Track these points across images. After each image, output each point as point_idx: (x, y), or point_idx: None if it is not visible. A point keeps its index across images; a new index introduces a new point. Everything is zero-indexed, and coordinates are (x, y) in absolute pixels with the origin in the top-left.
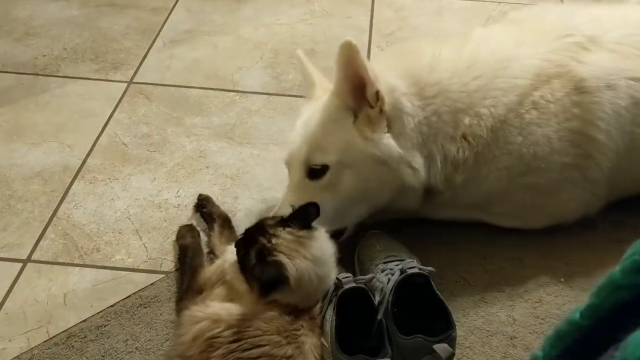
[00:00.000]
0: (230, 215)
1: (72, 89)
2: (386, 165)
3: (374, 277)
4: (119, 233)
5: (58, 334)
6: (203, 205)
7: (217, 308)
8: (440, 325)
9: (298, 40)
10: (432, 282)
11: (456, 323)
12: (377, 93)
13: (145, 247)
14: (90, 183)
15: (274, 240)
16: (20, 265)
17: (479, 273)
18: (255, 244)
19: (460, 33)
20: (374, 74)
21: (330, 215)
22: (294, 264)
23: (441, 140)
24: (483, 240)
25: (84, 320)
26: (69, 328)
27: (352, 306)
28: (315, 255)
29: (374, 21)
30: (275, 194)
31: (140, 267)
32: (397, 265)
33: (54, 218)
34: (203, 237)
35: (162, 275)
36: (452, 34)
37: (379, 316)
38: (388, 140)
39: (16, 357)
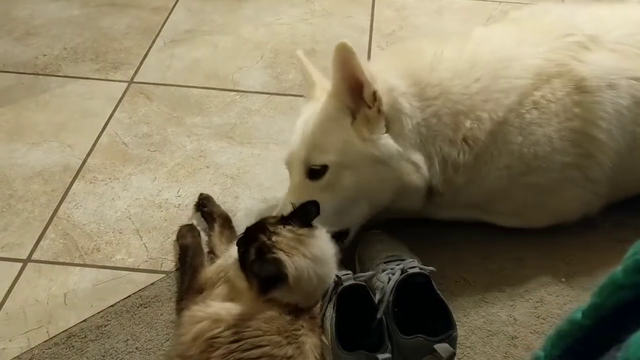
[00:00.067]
0: (230, 214)
1: (73, 89)
2: (386, 165)
3: (374, 274)
4: (120, 233)
5: (58, 334)
6: (204, 205)
7: (218, 308)
8: (441, 325)
9: (298, 40)
10: (433, 282)
11: (457, 323)
12: (374, 93)
13: (145, 246)
14: (91, 183)
15: (274, 238)
16: (20, 265)
17: (479, 273)
18: (255, 242)
19: (461, 33)
20: (370, 74)
21: (330, 215)
22: (293, 262)
23: (439, 143)
24: (484, 240)
25: (84, 320)
26: (69, 328)
27: (352, 303)
28: (315, 253)
29: (375, 21)
30: (275, 194)
31: (140, 267)
32: (397, 264)
33: (55, 218)
34: (203, 237)
35: (163, 275)
36: (453, 34)
37: (379, 315)
38: (387, 140)
39: (16, 357)
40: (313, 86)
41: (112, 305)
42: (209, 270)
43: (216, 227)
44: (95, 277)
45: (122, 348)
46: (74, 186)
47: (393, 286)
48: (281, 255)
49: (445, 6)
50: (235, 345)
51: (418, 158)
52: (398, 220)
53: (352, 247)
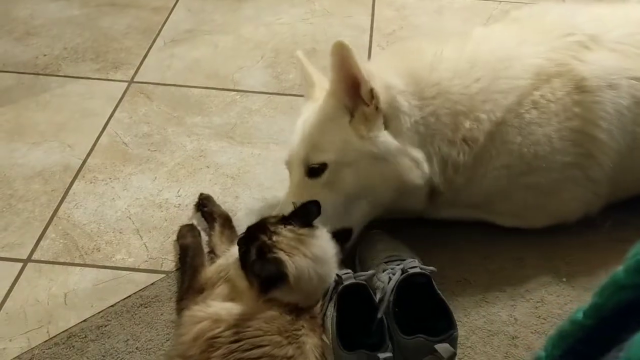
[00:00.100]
0: (231, 214)
1: (73, 89)
2: (385, 162)
3: (374, 274)
4: (120, 233)
5: (58, 334)
6: (204, 205)
7: (218, 308)
8: (442, 325)
9: (299, 39)
10: (434, 282)
11: (457, 323)
12: (371, 91)
13: (145, 246)
14: (91, 183)
15: (274, 238)
16: (20, 265)
17: (480, 273)
18: (256, 241)
19: (461, 32)
20: (367, 72)
21: (331, 214)
22: (294, 262)
23: (438, 142)
24: (484, 240)
25: (84, 320)
26: (70, 328)
27: (353, 302)
28: (316, 253)
29: (375, 20)
30: (276, 193)
31: (140, 267)
32: (398, 264)
33: (55, 218)
34: (204, 237)
35: (163, 275)
36: (453, 34)
37: (379, 315)
38: (385, 138)
39: (17, 357)
40: (313, 86)
41: (112, 305)
42: (210, 270)
43: (216, 227)
44: (96, 277)
45: (123, 348)
46: (74, 186)
47: (394, 286)
48: (282, 255)
49: (446, 6)
50: (235, 345)
51: (418, 155)
52: (398, 220)
53: (352, 247)
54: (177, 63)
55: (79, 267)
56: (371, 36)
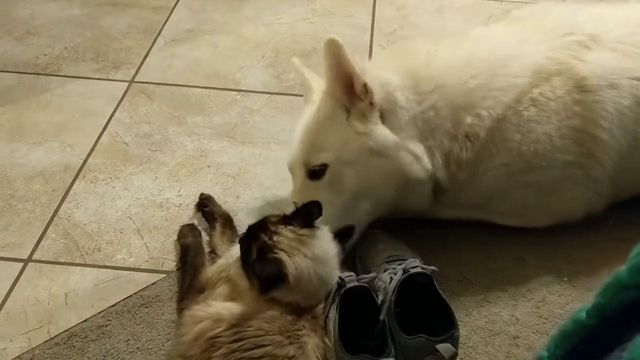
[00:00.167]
0: (231, 214)
1: (73, 89)
2: (383, 157)
3: (376, 276)
4: (120, 232)
5: (59, 334)
6: (205, 205)
7: (219, 307)
8: (443, 324)
9: (299, 39)
10: (435, 282)
11: (459, 323)
12: (365, 85)
13: (146, 246)
14: (92, 182)
15: (275, 238)
16: (21, 265)
17: (481, 272)
18: (256, 241)
19: (460, 32)
20: (359, 67)
21: (335, 215)
22: (294, 262)
23: (439, 136)
24: (485, 240)
25: (85, 320)
26: (70, 328)
27: (355, 305)
28: (316, 254)
29: (376, 20)
30: (277, 193)
31: (141, 267)
32: (399, 264)
33: (55, 217)
34: (205, 237)
35: (164, 275)
36: (453, 33)
37: (382, 316)
38: (382, 131)
39: (17, 357)
40: (311, 90)
41: (113, 305)
42: (210, 270)
43: (217, 226)
44: (96, 277)
45: (123, 348)
46: (74, 186)
47: (395, 286)
48: (282, 255)
49: (446, 5)
50: (236, 345)
51: (417, 148)
52: (398, 220)
53: (353, 247)
54: (177, 63)
55: (80, 267)
56: (372, 36)
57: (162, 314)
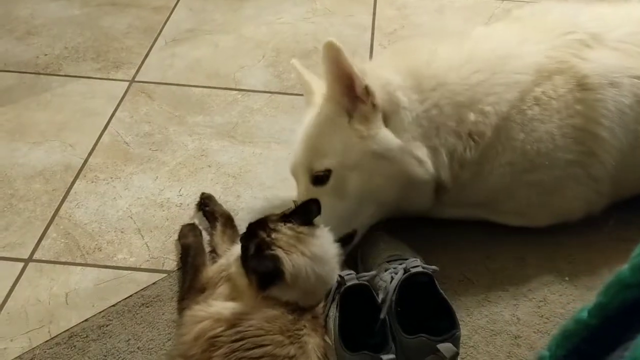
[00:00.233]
0: (232, 214)
1: (74, 88)
2: (388, 160)
3: (377, 274)
4: (121, 232)
5: (60, 334)
6: (205, 204)
7: (219, 307)
8: (444, 324)
9: (300, 38)
10: (436, 281)
11: (460, 322)
12: (366, 87)
13: (147, 246)
14: (92, 182)
15: (273, 235)
16: (21, 264)
17: (482, 272)
18: (255, 238)
19: (462, 31)
20: (359, 69)
21: (340, 220)
22: (291, 259)
23: (444, 134)
24: (486, 240)
25: (85, 320)
26: (71, 328)
27: (355, 303)
28: (315, 252)
29: (376, 19)
30: (277, 193)
31: (142, 267)
32: (400, 264)
33: (56, 217)
34: (205, 236)
35: (164, 275)
36: (454, 33)
37: (382, 315)
38: (385, 134)
39: (18, 356)
40: (312, 93)
41: (113, 305)
42: (211, 270)
43: (218, 226)
44: (97, 276)
45: (124, 348)
46: (75, 185)
47: (396, 285)
48: (279, 252)
49: (447, 5)
50: (237, 345)
51: (421, 150)
52: (399, 220)
53: (354, 247)
54: (178, 62)
55: (80, 267)
56: (372, 35)
57: (163, 314)
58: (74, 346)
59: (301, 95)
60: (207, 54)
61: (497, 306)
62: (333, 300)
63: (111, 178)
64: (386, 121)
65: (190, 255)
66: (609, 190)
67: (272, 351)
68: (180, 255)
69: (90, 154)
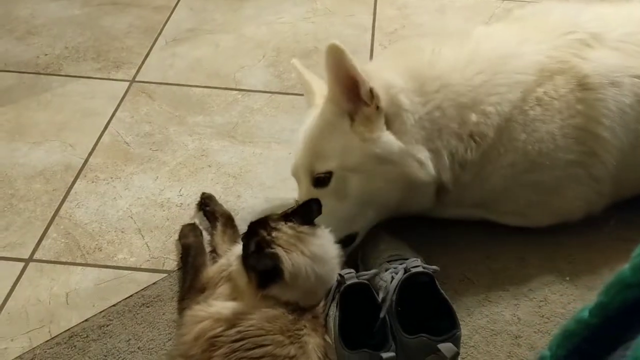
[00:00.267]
0: (233, 214)
1: (74, 88)
2: (389, 163)
3: (377, 273)
4: (121, 232)
5: (60, 334)
6: (206, 204)
7: (220, 307)
8: (445, 324)
9: (300, 38)
10: (436, 281)
11: (460, 322)
12: (371, 90)
13: (147, 246)
14: (93, 182)
15: (273, 234)
16: (22, 264)
17: (483, 272)
18: (255, 236)
19: (462, 31)
20: (364, 72)
21: (340, 221)
22: (290, 258)
23: (446, 136)
24: (486, 240)
25: (86, 320)
26: (71, 327)
27: (355, 302)
28: (315, 252)
29: (377, 19)
30: (278, 193)
31: (142, 267)
32: (401, 264)
33: (56, 217)
34: (206, 236)
35: (165, 275)
36: (454, 33)
37: (382, 314)
38: (387, 137)
39: (18, 356)
40: (313, 93)
41: (114, 305)
42: (211, 270)
43: (218, 226)
44: (97, 276)
45: (124, 348)
46: (75, 185)
47: (396, 285)
48: (279, 251)
49: (447, 4)
50: (237, 345)
51: (423, 153)
52: (400, 220)
53: (354, 247)
54: (178, 62)
55: (81, 267)
56: (373, 35)
57: (163, 314)
58: (75, 346)
59: (301, 95)
60: (208, 53)
61: (498, 306)
62: (333, 299)
63: (111, 178)
64: (388, 124)
65: (191, 255)
66: (609, 190)
67: (272, 351)
68: (180, 255)
69: (90, 154)
